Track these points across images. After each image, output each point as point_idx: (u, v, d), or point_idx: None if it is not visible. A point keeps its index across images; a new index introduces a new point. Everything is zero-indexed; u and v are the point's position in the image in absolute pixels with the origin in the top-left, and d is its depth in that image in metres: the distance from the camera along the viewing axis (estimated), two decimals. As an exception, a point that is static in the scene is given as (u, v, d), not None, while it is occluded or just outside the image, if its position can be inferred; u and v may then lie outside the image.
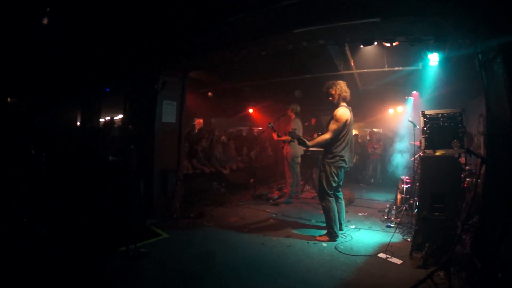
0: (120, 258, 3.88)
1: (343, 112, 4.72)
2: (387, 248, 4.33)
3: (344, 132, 4.74)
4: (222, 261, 4.04)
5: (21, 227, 3.75)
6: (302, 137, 4.90)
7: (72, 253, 3.79)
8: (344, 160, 4.76)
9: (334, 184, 4.84)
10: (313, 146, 4.96)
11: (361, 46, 5.87)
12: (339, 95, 4.85)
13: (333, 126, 4.70)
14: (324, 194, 4.85)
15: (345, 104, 4.86)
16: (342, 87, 4.86)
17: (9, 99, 5.96)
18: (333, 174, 4.76)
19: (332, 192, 4.86)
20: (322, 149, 4.99)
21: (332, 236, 4.83)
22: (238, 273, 3.72)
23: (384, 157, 10.71)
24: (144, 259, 3.94)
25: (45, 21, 4.26)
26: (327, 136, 4.69)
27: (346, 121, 4.70)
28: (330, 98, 4.91)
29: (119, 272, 3.58)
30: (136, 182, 4.76)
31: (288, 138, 7.09)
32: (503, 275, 2.47)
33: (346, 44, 5.77)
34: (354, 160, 11.25)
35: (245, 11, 4.29)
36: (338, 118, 4.68)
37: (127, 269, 3.65)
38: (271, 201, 7.39)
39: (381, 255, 4.25)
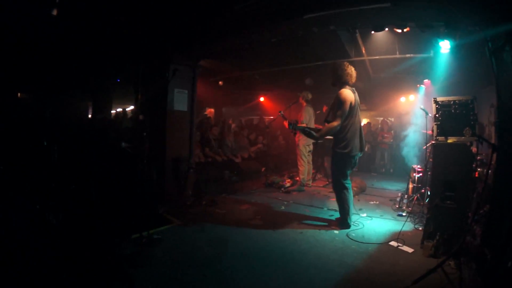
0: (133, 245, 3.94)
1: (347, 93, 4.54)
2: (398, 236, 4.32)
3: (350, 115, 4.57)
4: (233, 247, 4.10)
5: (33, 214, 3.85)
6: (307, 129, 4.76)
7: (86, 240, 3.88)
8: (355, 147, 4.61)
9: (348, 173, 4.77)
10: (322, 137, 4.89)
11: (372, 32, 5.80)
12: (347, 76, 4.66)
13: (339, 111, 4.51)
14: (339, 185, 4.77)
15: (348, 87, 4.68)
16: (351, 70, 4.69)
17: (19, 94, 6.05)
18: (347, 164, 4.68)
19: (346, 181, 4.76)
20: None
21: (344, 225, 4.81)
22: (250, 258, 3.76)
23: (394, 146, 10.63)
24: (157, 245, 4.00)
25: (55, 12, 4.28)
26: (335, 123, 4.51)
27: (351, 103, 4.53)
28: (333, 78, 4.77)
29: (133, 258, 3.64)
30: (149, 170, 4.83)
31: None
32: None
33: (357, 31, 5.70)
34: (366, 149, 11.27)
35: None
36: (342, 100, 4.51)
37: (140, 256, 3.71)
38: (282, 189, 7.43)
39: (393, 243, 4.25)
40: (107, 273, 3.35)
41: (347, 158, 4.64)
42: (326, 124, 4.73)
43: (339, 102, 4.54)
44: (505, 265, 2.53)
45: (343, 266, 3.61)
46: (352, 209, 4.98)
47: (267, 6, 4.43)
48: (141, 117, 5.48)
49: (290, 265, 3.62)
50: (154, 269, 3.45)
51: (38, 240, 3.60)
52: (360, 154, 4.79)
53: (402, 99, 11.33)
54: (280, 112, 7.03)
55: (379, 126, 12.03)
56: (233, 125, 11.35)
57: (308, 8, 4.31)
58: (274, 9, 4.50)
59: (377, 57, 7.56)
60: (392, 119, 12.74)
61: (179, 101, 6.34)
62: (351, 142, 4.58)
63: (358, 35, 6.55)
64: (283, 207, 6.05)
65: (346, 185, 4.77)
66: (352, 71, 4.71)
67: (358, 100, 4.74)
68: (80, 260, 3.44)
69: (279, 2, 4.35)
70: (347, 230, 4.72)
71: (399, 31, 4.64)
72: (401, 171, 8.73)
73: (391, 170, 10.72)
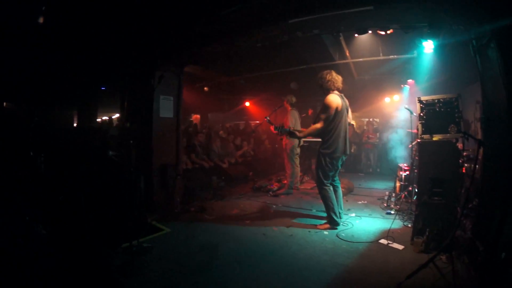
0: (123, 254, 3.88)
1: (333, 98, 4.73)
2: (388, 234, 4.39)
3: (335, 120, 4.74)
4: (225, 252, 4.07)
5: (23, 225, 3.76)
6: (291, 130, 5.01)
7: (76, 251, 3.80)
8: (338, 149, 4.78)
9: (330, 174, 4.91)
10: (305, 136, 5.09)
11: (356, 35, 5.88)
12: (328, 83, 4.87)
13: (323, 114, 4.73)
14: (320, 184, 4.93)
15: (336, 92, 4.88)
16: (331, 76, 4.88)
17: (5, 104, 5.92)
18: (329, 164, 4.82)
19: (328, 182, 4.92)
20: (319, 139, 5.01)
21: (332, 223, 4.90)
22: (242, 263, 3.75)
23: (380, 146, 10.78)
24: (147, 254, 3.95)
25: (41, 19, 4.21)
26: (318, 125, 4.73)
27: (337, 108, 4.70)
28: (320, 86, 4.97)
29: (124, 268, 3.58)
30: (137, 178, 4.78)
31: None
32: (506, 255, 2.51)
33: (340, 34, 5.76)
34: (352, 150, 11.42)
35: (240, 2, 4.27)
36: (328, 105, 4.70)
37: (131, 265, 3.64)
38: (270, 192, 7.44)
39: (383, 241, 4.31)
40: (99, 284, 3.28)
41: (329, 158, 4.80)
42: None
43: (325, 106, 4.75)
44: (499, 256, 2.58)
45: (335, 267, 3.64)
46: (339, 208, 5.08)
47: (252, 11, 4.46)
48: (127, 124, 5.42)
49: (283, 268, 3.62)
50: (146, 278, 3.40)
51: (27, 251, 3.51)
52: (344, 157, 4.97)
53: (387, 99, 11.49)
54: (266, 117, 7.12)
55: (365, 127, 12.18)
56: (220, 132, 11.31)
57: (293, 13, 4.35)
58: (259, 14, 4.52)
59: (361, 59, 7.68)
60: (377, 120, 12.92)
61: (165, 108, 6.28)
62: (334, 144, 4.76)
63: (341, 38, 6.62)
64: (272, 211, 6.05)
65: (330, 185, 4.93)
66: (332, 77, 4.90)
67: (347, 105, 4.94)
68: (71, 271, 3.36)
69: (264, 8, 4.37)
70: (336, 231, 4.76)
71: (383, 33, 4.71)
72: (388, 170, 8.86)
73: (378, 170, 10.88)
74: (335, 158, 4.81)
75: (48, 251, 3.67)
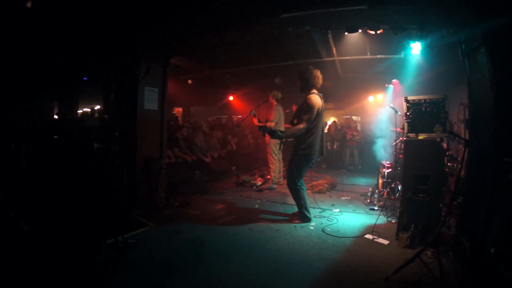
0: (108, 251, 3.79)
1: (315, 99, 4.72)
2: (373, 229, 4.48)
3: (316, 120, 4.76)
4: (211, 247, 4.05)
5: (6, 222, 3.63)
6: (274, 129, 4.83)
7: (61, 247, 3.69)
8: (315, 151, 4.83)
9: (303, 174, 5.01)
10: (287, 137, 5.02)
11: (345, 33, 5.93)
12: (314, 79, 4.86)
13: (306, 115, 4.66)
14: (293, 184, 4.99)
15: (315, 91, 4.87)
16: (314, 73, 4.87)
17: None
18: (305, 165, 4.90)
19: (300, 181, 5.00)
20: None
21: (305, 219, 5.01)
22: (229, 258, 3.74)
23: (362, 144, 10.95)
24: (133, 250, 3.88)
25: (29, 4, 4.02)
26: (301, 126, 4.66)
27: (318, 109, 4.71)
28: (300, 82, 4.96)
29: (110, 265, 3.52)
30: (120, 171, 4.67)
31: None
32: (496, 250, 2.61)
33: (329, 31, 5.79)
34: (335, 147, 11.59)
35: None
36: (311, 105, 4.68)
37: (117, 262, 3.58)
38: (254, 187, 7.46)
39: (368, 236, 4.40)
40: (86, 281, 3.20)
41: (306, 160, 4.86)
42: (291, 125, 4.96)
43: (307, 106, 4.71)
44: (488, 251, 2.67)
45: (323, 261, 3.69)
46: (309, 204, 5.16)
47: (244, 4, 4.41)
48: (106, 116, 5.28)
49: (271, 263, 3.64)
50: (134, 276, 3.33)
51: (9, 248, 3.38)
52: (318, 158, 5.03)
53: (370, 98, 11.67)
54: (251, 111, 7.16)
55: (345, 124, 12.33)
56: (203, 125, 11.24)
57: (285, 8, 4.33)
58: (251, 7, 4.48)
59: (348, 57, 7.73)
60: (359, 118, 13.10)
61: (150, 100, 6.16)
62: (312, 146, 4.79)
63: (329, 35, 6.66)
64: (256, 206, 6.08)
65: (300, 184, 5.00)
66: (318, 74, 4.90)
67: (323, 106, 4.91)
68: (56, 268, 3.27)
69: (256, 1, 4.34)
70: (322, 225, 4.83)
71: (372, 32, 4.77)
72: (370, 167, 9.02)
73: (359, 167, 11.03)
74: (312, 159, 4.87)
75: (31, 248, 3.56)
